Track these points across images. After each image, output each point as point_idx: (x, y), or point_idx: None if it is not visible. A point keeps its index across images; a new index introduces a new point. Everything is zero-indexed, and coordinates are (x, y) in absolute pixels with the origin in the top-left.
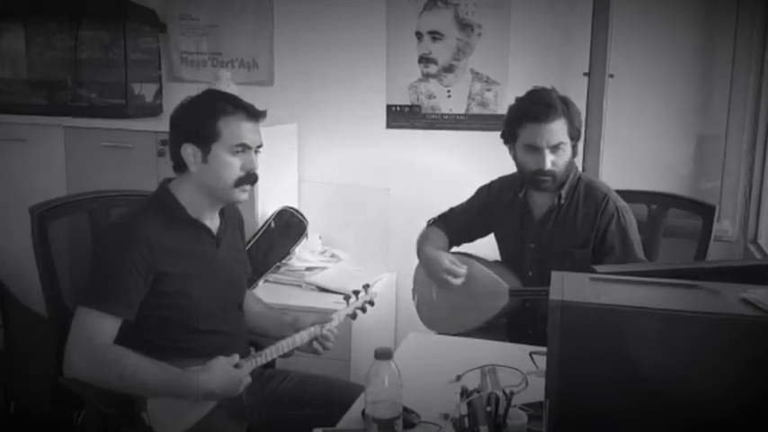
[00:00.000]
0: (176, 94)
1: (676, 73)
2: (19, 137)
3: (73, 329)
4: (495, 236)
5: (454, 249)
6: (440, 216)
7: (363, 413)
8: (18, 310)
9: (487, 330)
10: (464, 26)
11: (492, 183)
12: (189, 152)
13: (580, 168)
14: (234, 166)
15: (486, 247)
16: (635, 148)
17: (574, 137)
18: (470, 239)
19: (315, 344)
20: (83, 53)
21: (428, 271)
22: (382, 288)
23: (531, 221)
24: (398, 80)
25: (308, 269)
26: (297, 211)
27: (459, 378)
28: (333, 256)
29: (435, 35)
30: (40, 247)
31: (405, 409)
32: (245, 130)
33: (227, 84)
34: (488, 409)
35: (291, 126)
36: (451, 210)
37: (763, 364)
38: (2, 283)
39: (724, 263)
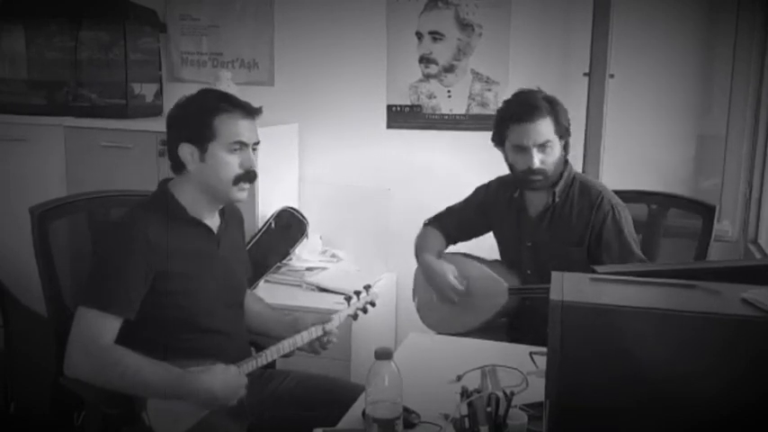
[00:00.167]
0: (177, 95)
1: (676, 73)
2: (19, 137)
3: (73, 329)
4: (495, 235)
5: (452, 249)
6: (436, 216)
7: (364, 413)
8: (18, 310)
9: (487, 331)
10: (464, 26)
11: (490, 182)
12: (186, 152)
13: (580, 169)
14: (232, 164)
15: (486, 246)
16: (635, 149)
17: (562, 135)
18: (468, 238)
19: (315, 344)
20: (83, 53)
21: (430, 281)
22: (382, 288)
23: (528, 220)
24: (399, 80)
25: (309, 269)
26: (297, 211)
27: (459, 378)
28: (333, 256)
29: (436, 35)
30: (41, 248)
31: (405, 409)
32: (241, 127)
33: (228, 84)
34: (489, 409)
35: (292, 126)
36: (448, 209)
37: (764, 364)
38: (2, 283)
39: (724, 263)
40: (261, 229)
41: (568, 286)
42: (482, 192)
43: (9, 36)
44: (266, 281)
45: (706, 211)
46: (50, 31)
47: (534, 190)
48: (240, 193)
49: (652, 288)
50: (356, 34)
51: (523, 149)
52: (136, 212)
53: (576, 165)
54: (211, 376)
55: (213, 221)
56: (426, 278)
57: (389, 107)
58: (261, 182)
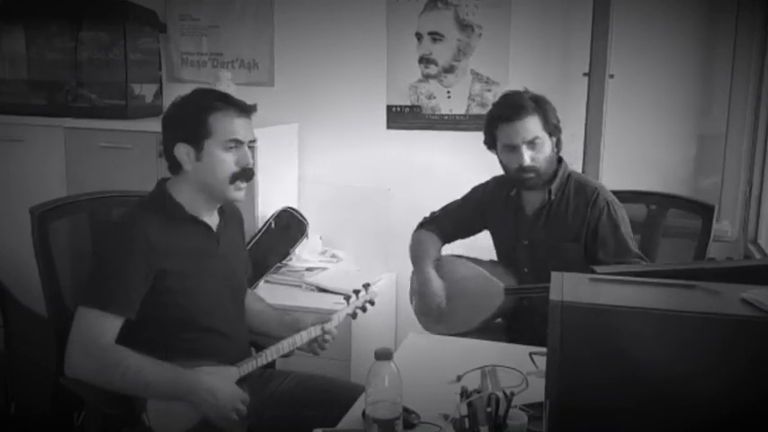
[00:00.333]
0: (176, 95)
1: (676, 73)
2: (19, 137)
3: (74, 329)
4: (492, 234)
5: (448, 250)
6: (432, 217)
7: (364, 413)
8: (18, 310)
9: (485, 331)
10: (464, 27)
11: (488, 181)
12: (182, 151)
13: (580, 168)
14: (228, 162)
15: (478, 246)
16: (635, 149)
17: (551, 132)
18: (465, 236)
19: (314, 345)
20: (83, 54)
21: (421, 292)
22: (382, 288)
23: (524, 219)
24: (399, 81)
25: (309, 269)
26: (297, 211)
27: (459, 378)
28: (333, 256)
29: (435, 36)
30: (41, 248)
31: (405, 409)
32: (236, 125)
33: (228, 84)
34: (488, 409)
35: (292, 126)
36: (444, 208)
37: (764, 364)
38: (2, 283)
39: (724, 263)
40: (261, 230)
41: (568, 286)
42: (480, 190)
43: (9, 36)
44: (266, 281)
45: (705, 211)
46: (50, 32)
47: (529, 188)
48: (237, 193)
49: (652, 288)
50: (356, 34)
51: (513, 148)
52: (135, 212)
53: (576, 165)
54: (212, 377)
55: (212, 220)
56: (419, 289)
57: (389, 107)
58: (261, 182)
